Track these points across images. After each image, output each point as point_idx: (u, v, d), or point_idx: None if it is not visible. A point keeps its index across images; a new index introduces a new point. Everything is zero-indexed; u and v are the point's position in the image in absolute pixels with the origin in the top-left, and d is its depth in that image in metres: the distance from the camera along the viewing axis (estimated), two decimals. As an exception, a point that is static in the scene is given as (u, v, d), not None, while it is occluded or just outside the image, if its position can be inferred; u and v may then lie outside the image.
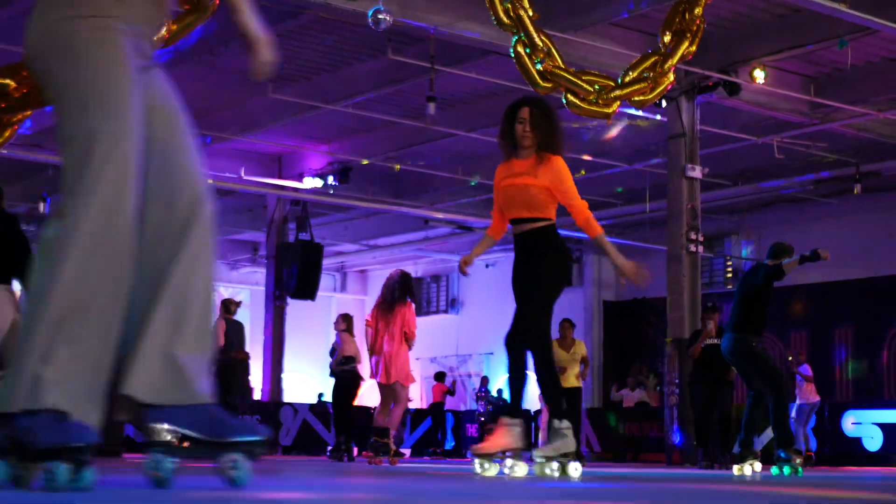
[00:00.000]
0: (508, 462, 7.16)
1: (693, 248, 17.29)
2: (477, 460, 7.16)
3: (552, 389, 7.40)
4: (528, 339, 7.25)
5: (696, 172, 17.60)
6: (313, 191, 23.39)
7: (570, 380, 15.53)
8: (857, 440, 18.92)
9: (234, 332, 16.14)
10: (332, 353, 16.12)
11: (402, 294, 12.69)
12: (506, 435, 7.13)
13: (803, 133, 20.11)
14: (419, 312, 33.62)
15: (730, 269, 26.51)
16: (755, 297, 10.53)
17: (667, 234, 17.86)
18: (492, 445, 7.13)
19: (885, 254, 23.67)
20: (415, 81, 17.49)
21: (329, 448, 18.92)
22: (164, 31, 3.85)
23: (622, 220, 26.14)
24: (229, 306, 16.05)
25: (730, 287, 25.92)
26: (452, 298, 32.62)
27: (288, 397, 25.24)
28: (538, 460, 7.16)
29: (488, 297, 28.36)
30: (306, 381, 30.98)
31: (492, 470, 7.11)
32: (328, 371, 16.33)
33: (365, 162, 22.35)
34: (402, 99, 19.36)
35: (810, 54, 17.29)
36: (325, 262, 26.33)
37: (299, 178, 23.40)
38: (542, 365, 7.32)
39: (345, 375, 15.76)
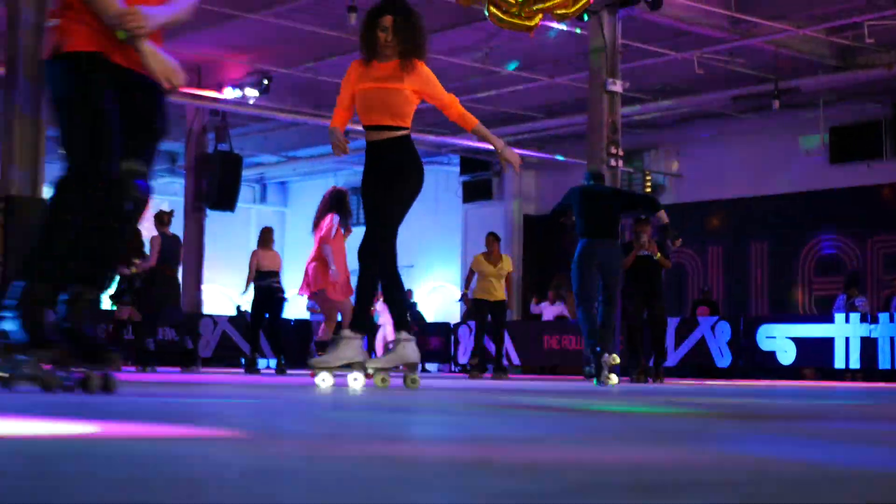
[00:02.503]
0: (350, 375, 7.16)
1: (613, 163, 17.37)
2: (318, 373, 7.17)
3: (399, 302, 7.39)
4: (382, 259, 7.16)
5: (617, 87, 17.64)
6: (233, 101, 23.13)
7: (498, 293, 15.65)
8: (772, 354, 19.25)
9: (170, 247, 15.74)
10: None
11: (324, 210, 12.80)
12: (347, 347, 7.09)
13: (723, 49, 20.19)
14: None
15: (649, 183, 26.66)
16: None
17: (587, 148, 17.89)
18: (333, 358, 7.09)
19: (801, 170, 23.95)
20: (336, -9, 17.27)
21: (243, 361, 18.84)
22: None
23: (543, 133, 26.16)
24: (163, 217, 15.63)
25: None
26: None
27: (207, 309, 25.14)
28: (371, 371, 7.18)
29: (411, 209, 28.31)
30: (225, 293, 30.87)
31: (329, 381, 7.09)
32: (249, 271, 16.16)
33: (285, 71, 22.12)
34: (323, 9, 19.11)
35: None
36: (245, 174, 26.12)
37: (218, 87, 23.09)
38: (391, 278, 7.25)
39: (261, 290, 15.71)
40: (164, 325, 18.04)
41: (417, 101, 7.20)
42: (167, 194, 31.85)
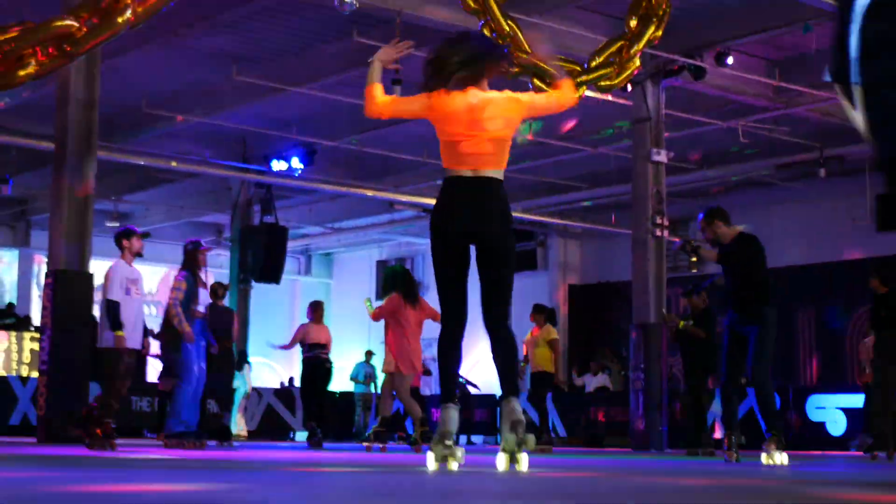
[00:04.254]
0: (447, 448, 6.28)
1: (658, 233, 17.32)
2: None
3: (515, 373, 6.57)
4: (508, 322, 6.52)
5: (662, 157, 17.63)
6: (278, 173, 23.28)
7: (538, 363, 15.63)
8: (821, 424, 19.00)
9: (222, 320, 15.59)
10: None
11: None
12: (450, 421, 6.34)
13: (768, 117, 20.15)
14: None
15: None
16: None
17: (632, 218, 17.86)
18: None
19: (848, 238, 23.77)
20: (380, 63, 17.34)
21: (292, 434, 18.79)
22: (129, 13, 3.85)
23: (587, 203, 26.14)
24: (217, 290, 15.59)
25: (694, 271, 25.95)
26: (418, 282, 32.49)
27: (253, 382, 25.16)
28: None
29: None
30: (271, 365, 30.91)
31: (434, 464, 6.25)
32: (294, 355, 16.24)
33: (329, 143, 22.26)
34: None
35: (775, 38, 17.30)
36: (290, 245, 26.22)
37: (264, 160, 23.27)
38: (513, 348, 6.53)
39: (310, 362, 15.70)
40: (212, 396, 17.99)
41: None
42: (213, 266, 32.00)
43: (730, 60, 16.83)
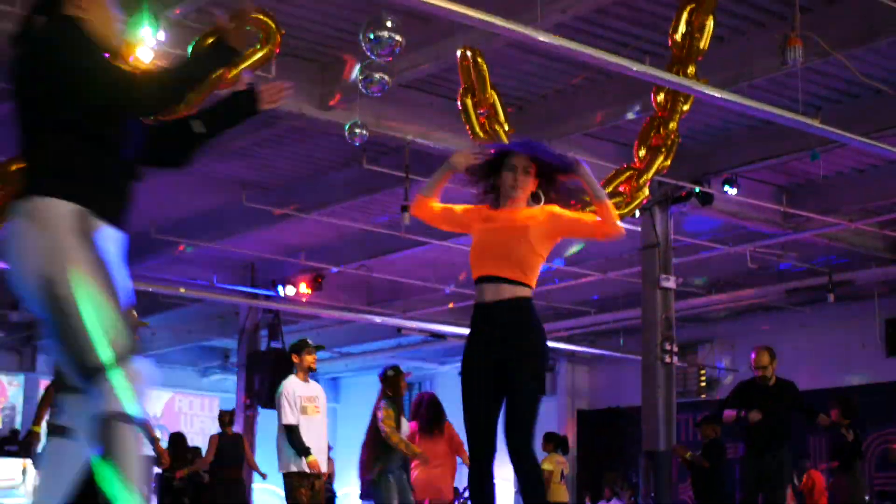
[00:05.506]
0: None
1: (668, 360, 17.18)
2: None
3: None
4: (532, 451, 5.98)
5: (671, 283, 17.56)
6: (285, 299, 23.27)
7: (558, 493, 15.42)
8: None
9: (229, 448, 15.26)
10: None
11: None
12: None
13: (776, 243, 20.18)
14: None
15: (703, 378, 26.38)
16: None
17: (642, 345, 17.73)
18: None
19: (859, 363, 23.65)
20: (389, 190, 17.47)
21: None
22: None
23: (595, 328, 26.05)
24: (224, 418, 15.31)
25: (703, 396, 25.80)
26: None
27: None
28: None
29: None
30: (277, 493, 30.53)
31: None
32: None
33: (336, 269, 22.29)
34: (376, 207, 19.33)
35: (783, 165, 17.38)
36: (297, 368, 26.03)
37: (272, 285, 23.28)
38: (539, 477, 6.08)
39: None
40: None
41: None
42: (219, 391, 31.90)
43: (734, 190, 16.88)
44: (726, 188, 16.79)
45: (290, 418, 9.94)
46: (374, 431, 11.47)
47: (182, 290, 22.44)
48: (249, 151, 17.14)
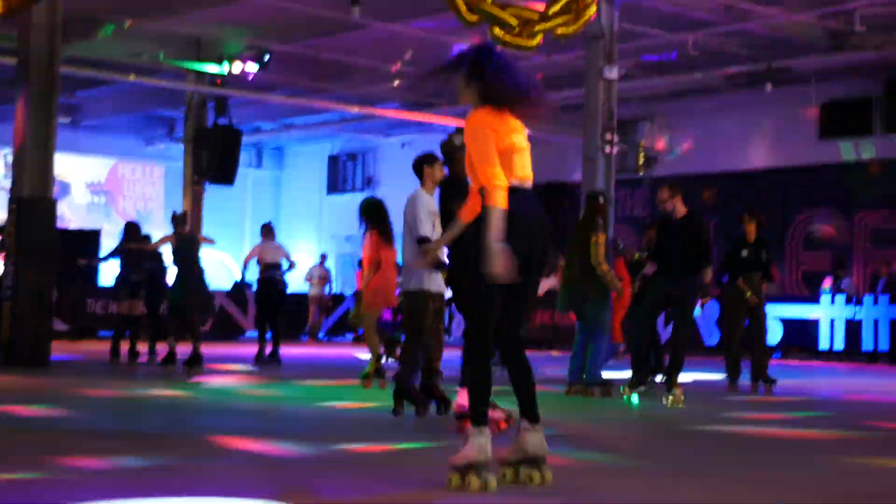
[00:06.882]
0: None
1: (608, 150, 17.56)
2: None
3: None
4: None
5: (614, 73, 17.77)
6: (232, 77, 23.26)
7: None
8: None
9: (186, 245, 15.08)
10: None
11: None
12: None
13: (718, 31, 20.50)
14: (335, 190, 33.75)
15: (642, 155, 26.83)
16: None
17: (584, 136, 17.93)
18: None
19: (790, 145, 24.27)
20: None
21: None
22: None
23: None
24: (176, 219, 15.18)
25: (641, 174, 26.27)
26: (368, 177, 32.68)
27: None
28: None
29: (404, 175, 28.44)
30: (223, 265, 31.18)
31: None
32: (245, 258, 16.60)
33: (283, 47, 22.33)
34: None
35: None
36: (242, 139, 26.16)
37: (219, 60, 23.16)
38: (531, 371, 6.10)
39: (265, 282, 16.08)
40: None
41: None
42: (164, 159, 32.08)
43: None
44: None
45: (426, 230, 9.52)
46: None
47: (132, 76, 22.60)
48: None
